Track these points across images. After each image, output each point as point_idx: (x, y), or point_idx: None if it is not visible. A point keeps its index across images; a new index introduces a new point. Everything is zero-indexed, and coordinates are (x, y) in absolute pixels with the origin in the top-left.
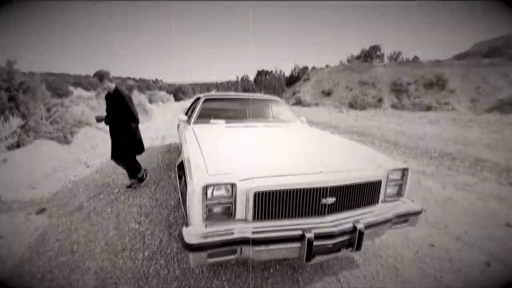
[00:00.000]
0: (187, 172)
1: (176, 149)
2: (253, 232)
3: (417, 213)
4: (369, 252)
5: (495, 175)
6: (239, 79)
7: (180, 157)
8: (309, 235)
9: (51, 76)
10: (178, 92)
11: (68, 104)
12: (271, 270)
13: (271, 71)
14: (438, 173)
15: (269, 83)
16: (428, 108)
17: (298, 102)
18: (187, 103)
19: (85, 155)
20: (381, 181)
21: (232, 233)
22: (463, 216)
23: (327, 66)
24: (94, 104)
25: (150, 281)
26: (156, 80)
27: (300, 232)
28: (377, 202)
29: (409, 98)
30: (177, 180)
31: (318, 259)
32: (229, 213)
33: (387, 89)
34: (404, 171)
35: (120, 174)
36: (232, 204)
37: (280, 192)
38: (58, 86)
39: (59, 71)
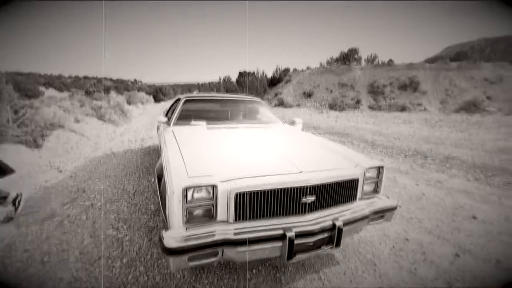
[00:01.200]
0: (166, 174)
1: (155, 152)
2: (234, 233)
3: (392, 209)
4: (348, 249)
5: (462, 171)
6: (221, 80)
7: (160, 160)
8: (290, 234)
9: (19, 76)
10: (158, 93)
11: (38, 105)
12: (254, 271)
13: (253, 72)
14: (412, 171)
15: (252, 84)
16: (403, 109)
17: (281, 103)
18: (167, 104)
19: (58, 160)
20: (358, 179)
21: (214, 235)
22: (434, 211)
23: (308, 68)
24: (67, 106)
25: None
26: (135, 80)
27: (281, 232)
28: (355, 199)
29: (385, 100)
30: (156, 183)
31: (299, 257)
32: (210, 215)
33: (365, 91)
34: (379, 169)
35: (96, 179)
36: (213, 205)
37: (261, 192)
38: (27, 86)
39: (28, 70)
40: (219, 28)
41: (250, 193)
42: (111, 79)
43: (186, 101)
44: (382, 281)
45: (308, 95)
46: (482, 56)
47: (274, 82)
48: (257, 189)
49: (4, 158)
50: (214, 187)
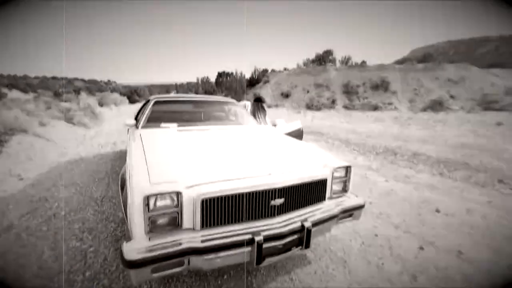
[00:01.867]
0: (128, 182)
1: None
2: (202, 241)
3: (361, 207)
4: (320, 248)
5: (428, 166)
6: (200, 80)
7: (124, 166)
8: (258, 238)
9: None
10: (133, 94)
11: None
12: (225, 276)
13: (232, 73)
14: (382, 168)
15: (230, 85)
16: (375, 108)
17: None
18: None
19: (19, 167)
20: (326, 179)
21: (180, 244)
22: (402, 206)
23: (285, 69)
24: (31, 108)
25: None
26: (109, 81)
27: (249, 236)
28: (324, 199)
29: (359, 99)
30: (119, 190)
31: (268, 260)
32: (175, 222)
33: (340, 91)
34: (347, 169)
35: (62, 186)
36: (178, 213)
37: (228, 197)
38: None
39: None
40: (198, 28)
41: (217, 198)
42: (82, 80)
43: (156, 103)
44: (351, 278)
45: (286, 95)
46: (446, 58)
47: (252, 82)
48: (225, 194)
49: None
50: (178, 194)
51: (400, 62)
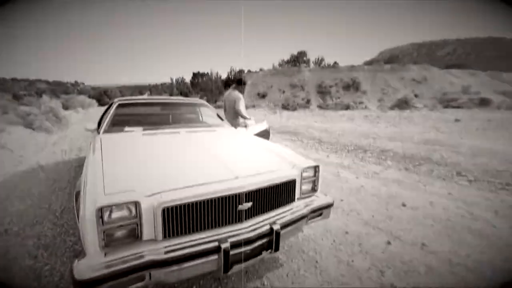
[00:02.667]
0: (81, 192)
1: None
2: (164, 252)
3: (329, 206)
4: (293, 249)
5: (395, 162)
6: (175, 81)
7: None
8: (224, 245)
9: None
10: (103, 96)
11: None
12: (194, 287)
13: (207, 73)
14: (353, 165)
15: (206, 86)
16: (347, 107)
17: None
18: None
19: None
20: (295, 180)
21: (141, 257)
22: (371, 202)
23: (261, 70)
24: None
25: None
26: (76, 82)
27: (216, 244)
28: (294, 200)
29: (332, 99)
30: (74, 202)
31: (237, 267)
32: (135, 234)
33: (314, 91)
34: (316, 168)
35: (16, 198)
36: (137, 224)
37: (192, 204)
38: None
39: None
40: (173, 28)
41: (180, 206)
42: (46, 81)
43: (120, 106)
44: (322, 278)
45: (262, 96)
46: (410, 59)
47: (229, 83)
48: (187, 201)
49: None
50: (136, 203)
51: (369, 63)
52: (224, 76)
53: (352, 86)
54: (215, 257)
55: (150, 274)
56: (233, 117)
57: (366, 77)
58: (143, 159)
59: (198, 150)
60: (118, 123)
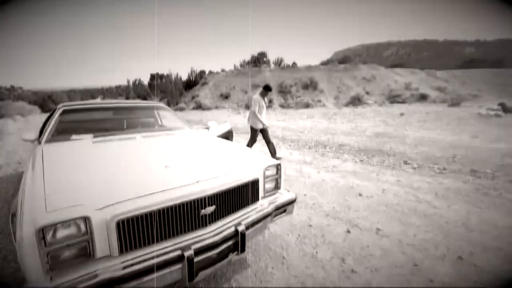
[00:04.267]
0: (18, 211)
1: None
2: (122, 268)
3: (292, 202)
4: (260, 248)
5: (352, 155)
6: (131, 83)
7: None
8: (188, 253)
9: None
10: (46, 102)
11: None
12: None
13: (167, 75)
14: (314, 160)
15: (166, 87)
16: (307, 106)
17: (198, 106)
18: None
19: None
20: (258, 179)
21: (95, 276)
22: (331, 194)
23: (223, 70)
24: None
25: None
26: (12, 87)
27: (179, 252)
28: (258, 199)
29: (292, 98)
30: (11, 223)
31: (203, 274)
32: (86, 253)
33: (275, 91)
34: (278, 166)
35: None
36: (88, 241)
37: (151, 213)
38: None
39: None
40: (129, 27)
41: (137, 218)
42: None
43: (65, 112)
44: (289, 273)
45: (225, 96)
46: (360, 59)
47: (190, 84)
48: (145, 211)
49: None
50: (86, 219)
51: (325, 63)
52: (184, 77)
53: (311, 85)
54: (178, 266)
55: None
56: (252, 116)
57: (323, 76)
58: (92, 170)
59: (155, 155)
60: (64, 131)
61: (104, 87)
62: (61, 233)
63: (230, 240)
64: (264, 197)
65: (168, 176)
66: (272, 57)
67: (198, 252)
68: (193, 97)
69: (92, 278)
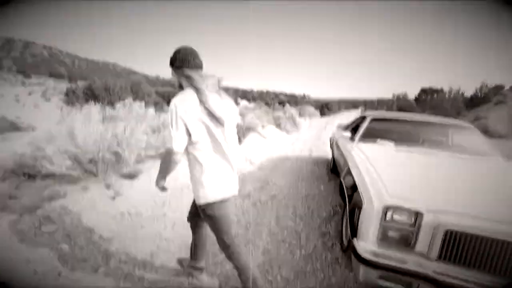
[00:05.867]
0: (361, 189)
1: None
2: (436, 272)
3: None
4: None
5: None
6: (395, 97)
7: (343, 173)
8: None
9: None
10: (324, 109)
11: None
12: None
13: (441, 89)
14: None
15: (437, 104)
16: None
17: (484, 131)
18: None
19: None
20: None
21: (404, 262)
22: None
23: None
24: None
25: None
26: (304, 95)
27: None
28: None
29: None
30: (340, 197)
31: None
32: (407, 242)
33: None
34: None
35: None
36: (413, 233)
37: (481, 237)
38: None
39: None
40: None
41: (466, 235)
42: (285, 94)
43: (373, 120)
44: None
45: None
46: None
47: (476, 102)
48: (479, 233)
49: None
50: (417, 214)
51: None
52: (468, 92)
53: None
54: None
55: (418, 285)
56: None
57: None
58: (411, 173)
59: (472, 178)
60: (371, 135)
61: (366, 100)
62: (396, 216)
63: None
64: None
65: (494, 207)
66: None
67: None
68: (476, 119)
69: (403, 262)
